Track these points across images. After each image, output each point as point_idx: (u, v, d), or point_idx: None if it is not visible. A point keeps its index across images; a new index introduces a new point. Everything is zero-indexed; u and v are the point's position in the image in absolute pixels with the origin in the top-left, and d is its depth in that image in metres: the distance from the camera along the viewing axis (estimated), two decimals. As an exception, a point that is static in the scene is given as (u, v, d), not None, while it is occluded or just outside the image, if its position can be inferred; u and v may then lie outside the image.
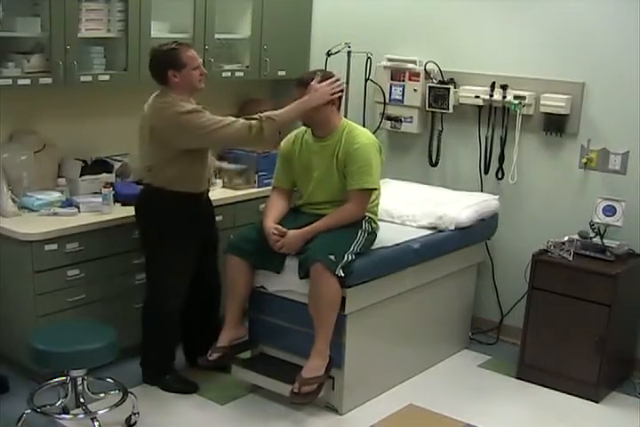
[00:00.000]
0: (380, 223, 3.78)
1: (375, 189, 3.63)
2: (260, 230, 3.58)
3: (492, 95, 4.28)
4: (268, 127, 3.46)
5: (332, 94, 3.53)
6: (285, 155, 3.75)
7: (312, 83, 3.52)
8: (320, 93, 3.51)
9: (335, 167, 3.59)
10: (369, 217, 3.65)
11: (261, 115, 3.49)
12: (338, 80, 3.58)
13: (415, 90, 4.55)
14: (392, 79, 4.64)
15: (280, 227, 3.53)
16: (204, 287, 3.85)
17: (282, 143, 3.78)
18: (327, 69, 4.40)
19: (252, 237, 3.59)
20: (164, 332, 3.77)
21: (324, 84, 3.52)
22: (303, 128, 3.72)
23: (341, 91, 3.60)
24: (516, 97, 4.19)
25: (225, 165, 4.53)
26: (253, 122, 3.45)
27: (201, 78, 3.56)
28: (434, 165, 4.66)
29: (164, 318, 3.73)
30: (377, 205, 3.75)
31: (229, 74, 4.58)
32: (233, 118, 3.50)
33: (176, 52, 3.49)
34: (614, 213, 3.92)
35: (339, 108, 3.65)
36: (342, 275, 3.36)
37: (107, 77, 3.97)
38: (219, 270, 3.89)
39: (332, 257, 3.35)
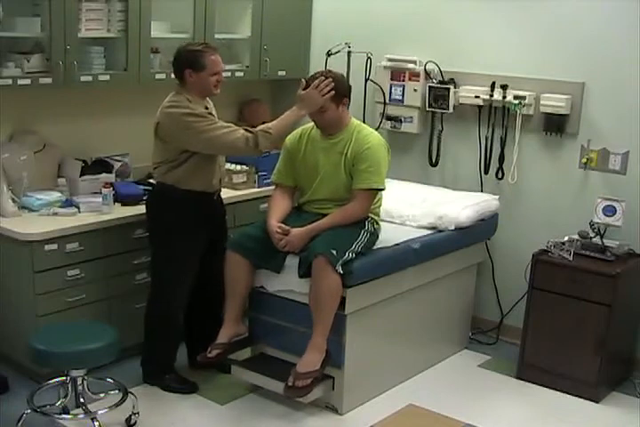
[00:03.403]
0: (380, 223, 3.78)
1: (382, 190, 3.64)
2: (262, 229, 3.59)
3: (492, 95, 4.28)
4: (264, 141, 3.47)
5: (324, 95, 3.49)
6: (290, 151, 3.74)
7: (298, 92, 3.51)
8: (308, 100, 3.49)
9: (343, 165, 3.59)
10: (371, 218, 3.66)
11: (257, 128, 3.49)
12: (324, 79, 3.49)
13: (415, 90, 4.55)
14: (392, 79, 4.64)
15: (283, 225, 3.53)
16: (209, 288, 3.83)
17: (287, 139, 3.76)
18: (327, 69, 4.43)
19: (255, 234, 3.59)
20: (167, 331, 3.77)
21: (309, 89, 3.49)
22: (309, 124, 3.71)
23: (332, 89, 3.48)
24: (515, 97, 4.18)
25: (225, 164, 4.53)
26: (250, 135, 3.45)
27: (217, 85, 3.56)
28: (434, 165, 4.66)
29: (167, 317, 3.73)
30: (380, 206, 3.75)
31: (229, 74, 4.57)
32: (235, 127, 3.50)
33: (199, 54, 3.51)
34: (614, 213, 3.91)
35: (348, 106, 3.63)
36: (342, 272, 3.36)
37: (107, 77, 3.97)
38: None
39: (334, 252, 3.35)
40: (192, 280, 3.73)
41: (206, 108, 3.61)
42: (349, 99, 3.63)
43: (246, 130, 3.49)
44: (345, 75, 4.51)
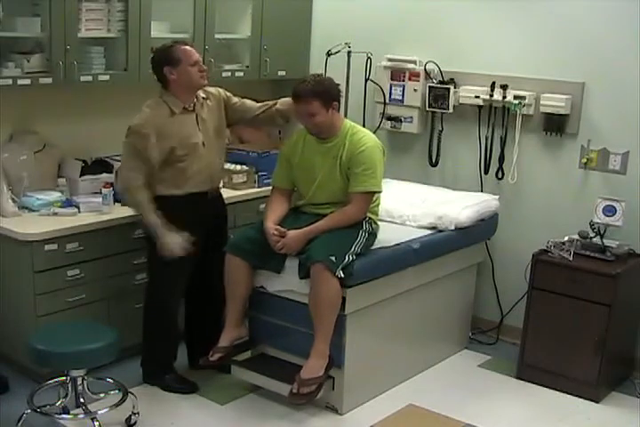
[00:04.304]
0: (380, 223, 3.77)
1: (379, 192, 3.64)
2: (260, 230, 3.58)
3: (492, 95, 4.28)
4: (130, 200, 3.59)
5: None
6: (287, 155, 3.74)
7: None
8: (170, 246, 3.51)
9: (338, 169, 3.58)
10: (369, 217, 3.65)
11: (135, 186, 3.51)
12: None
13: (415, 90, 4.55)
14: (392, 79, 4.64)
15: (280, 227, 3.53)
16: (209, 289, 3.83)
17: (284, 143, 3.77)
18: (327, 69, 4.43)
19: (253, 236, 3.59)
20: (165, 331, 3.77)
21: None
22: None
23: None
24: (515, 97, 4.18)
25: (225, 164, 4.53)
26: (131, 186, 3.50)
27: (202, 75, 3.53)
28: (434, 165, 4.66)
29: (164, 316, 3.73)
30: (378, 205, 3.75)
31: (229, 74, 4.58)
32: (133, 168, 3.50)
33: (171, 49, 3.50)
34: (614, 213, 3.91)
35: (338, 110, 3.63)
36: (342, 276, 3.36)
37: (107, 77, 3.97)
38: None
39: (333, 258, 3.34)
40: (187, 279, 3.73)
41: (188, 107, 3.56)
42: (339, 102, 3.61)
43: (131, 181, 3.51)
44: (345, 75, 4.52)
